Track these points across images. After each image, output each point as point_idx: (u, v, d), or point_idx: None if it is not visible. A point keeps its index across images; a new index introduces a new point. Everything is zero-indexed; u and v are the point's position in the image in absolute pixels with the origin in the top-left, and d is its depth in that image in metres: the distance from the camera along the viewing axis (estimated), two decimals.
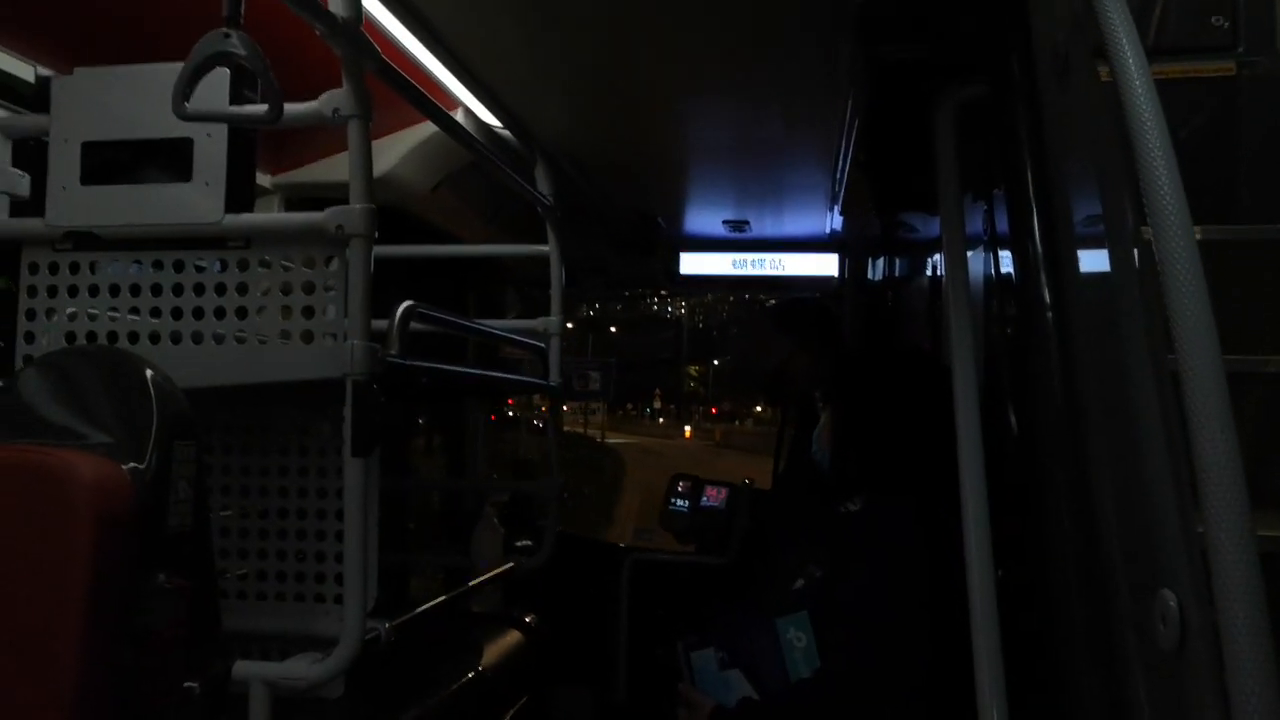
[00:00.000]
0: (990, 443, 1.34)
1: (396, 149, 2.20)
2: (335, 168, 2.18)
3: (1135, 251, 1.04)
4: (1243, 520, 0.75)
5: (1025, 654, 1.23)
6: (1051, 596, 1.22)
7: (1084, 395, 1.18)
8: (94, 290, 1.38)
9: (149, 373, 1.18)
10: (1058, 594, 1.20)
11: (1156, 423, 0.95)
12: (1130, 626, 1.00)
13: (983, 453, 1.32)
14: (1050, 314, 1.28)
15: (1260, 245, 1.35)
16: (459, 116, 2.18)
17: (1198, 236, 0.85)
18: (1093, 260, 1.21)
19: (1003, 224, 1.54)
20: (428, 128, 2.19)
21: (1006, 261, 1.52)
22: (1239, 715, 0.73)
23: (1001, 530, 1.27)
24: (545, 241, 2.28)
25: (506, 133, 2.33)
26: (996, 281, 1.60)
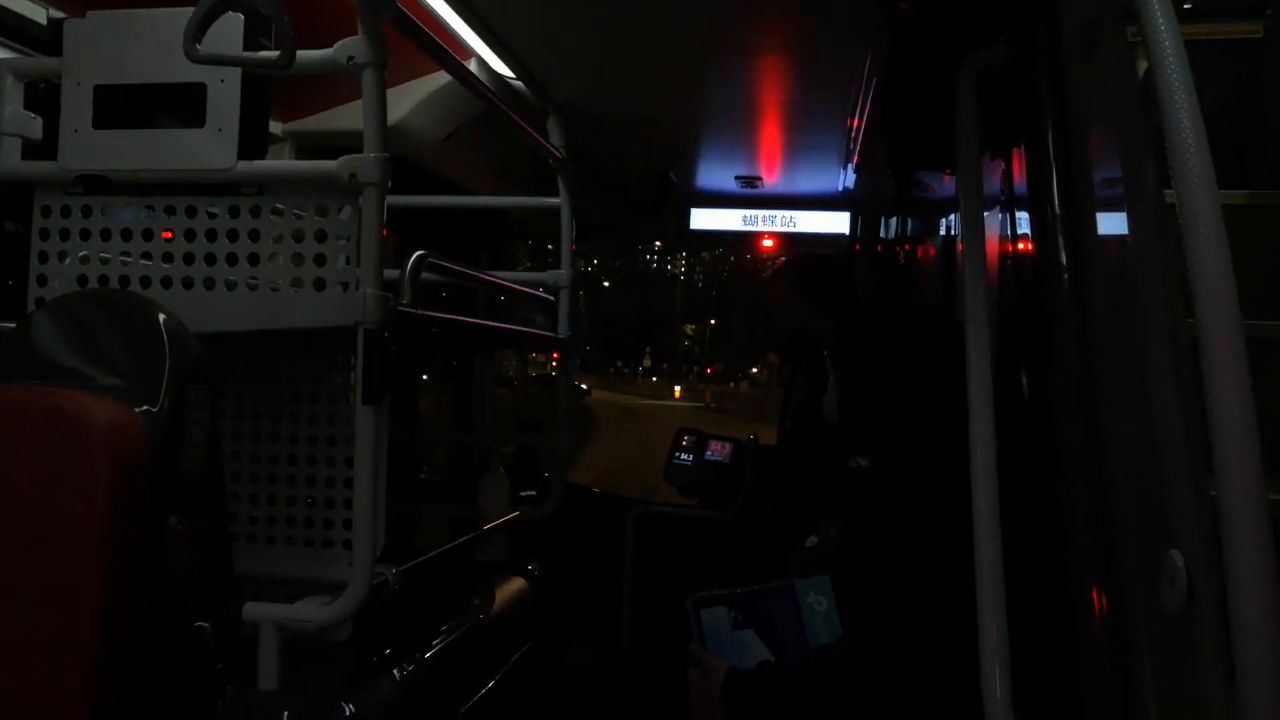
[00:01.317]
0: (1002, 403, 1.34)
1: (408, 99, 2.18)
2: (347, 116, 2.16)
3: (1156, 214, 1.03)
4: (1256, 484, 0.76)
5: (1032, 614, 1.24)
6: (1060, 557, 1.22)
7: (1099, 357, 1.18)
8: (106, 234, 1.38)
9: (161, 317, 1.19)
10: (1067, 555, 1.21)
11: (1172, 386, 0.94)
12: (1139, 588, 1.01)
13: (994, 413, 1.32)
14: (1067, 275, 1.27)
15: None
16: (472, 67, 2.15)
17: (1229, 200, 0.84)
18: (1112, 223, 1.20)
19: (1021, 185, 1.52)
20: (440, 77, 2.16)
21: (1024, 223, 1.50)
22: (1243, 678, 0.73)
23: (1010, 490, 1.27)
24: (556, 195, 2.26)
25: (520, 84, 2.30)
26: (1013, 242, 1.59)
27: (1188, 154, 0.85)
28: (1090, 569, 1.12)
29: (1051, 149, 1.36)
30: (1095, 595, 1.11)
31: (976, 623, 1.17)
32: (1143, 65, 0.98)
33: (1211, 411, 0.78)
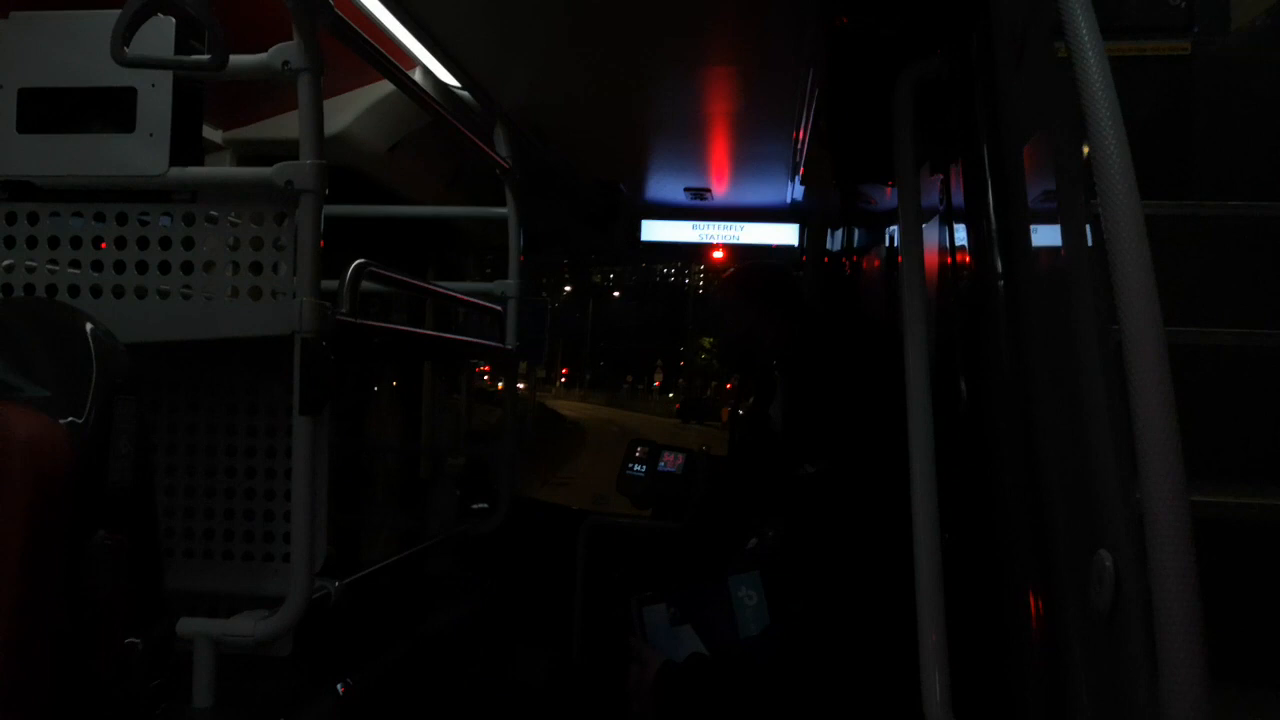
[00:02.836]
0: (940, 409, 1.36)
1: (352, 107, 2.15)
2: (289, 125, 2.12)
3: (1086, 225, 1.05)
4: (1178, 485, 0.77)
5: (970, 619, 1.26)
6: (996, 559, 1.24)
7: (1032, 364, 1.20)
8: (32, 242, 1.34)
9: (89, 326, 1.15)
10: (1002, 556, 1.22)
11: (1100, 391, 0.97)
12: (1070, 588, 1.02)
13: (932, 419, 1.33)
14: (1002, 285, 1.30)
15: (1208, 220, 1.38)
16: (417, 76, 2.14)
17: (1147, 211, 0.86)
18: (1045, 234, 1.22)
19: (958, 197, 1.55)
20: (385, 86, 2.15)
21: (961, 234, 1.53)
22: (1167, 675, 0.75)
23: (949, 494, 1.29)
24: (504, 205, 2.25)
25: (466, 94, 2.29)
26: (951, 253, 1.62)
27: (1110, 163, 0.88)
28: (1026, 570, 1.14)
29: (986, 160, 1.39)
30: (1031, 595, 1.12)
31: (913, 622, 1.18)
32: (1070, 78, 1.00)
33: (1135, 415, 0.80)
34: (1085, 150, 0.98)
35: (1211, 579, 0.79)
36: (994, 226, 1.36)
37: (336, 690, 1.58)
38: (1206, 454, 1.16)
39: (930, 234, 1.70)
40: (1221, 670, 0.80)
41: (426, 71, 2.17)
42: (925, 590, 1.19)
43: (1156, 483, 0.78)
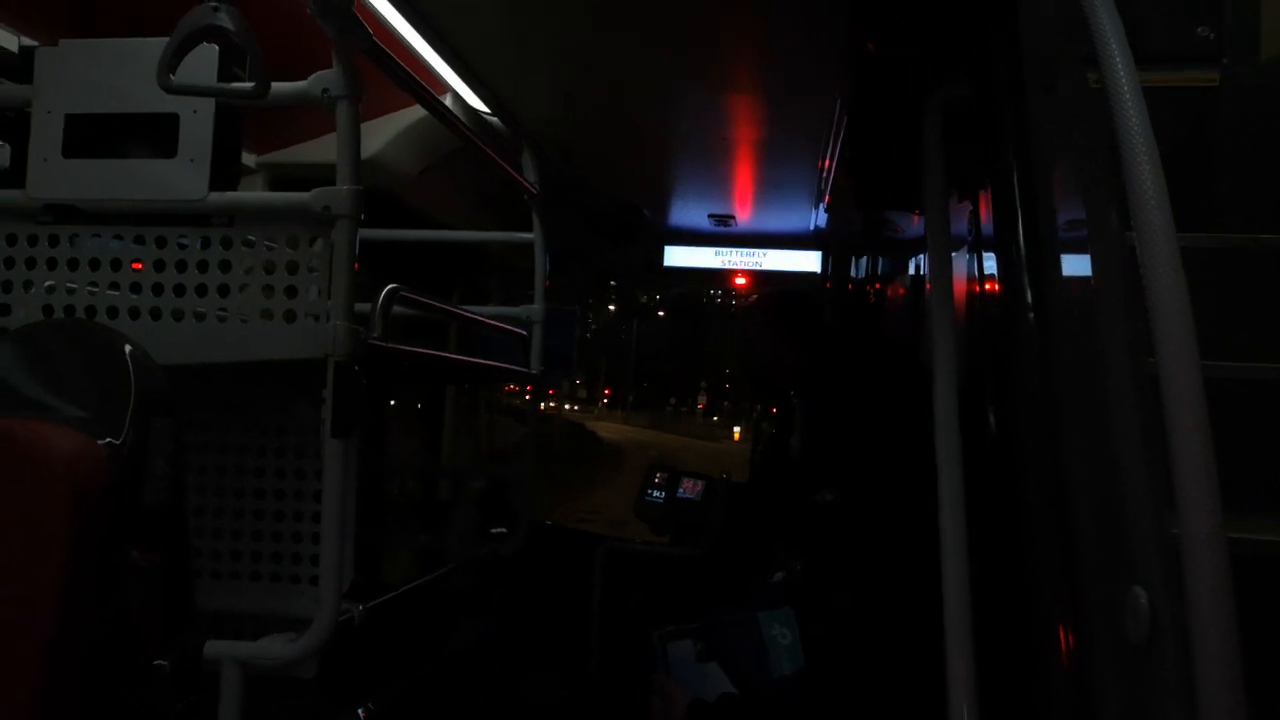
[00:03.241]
0: (968, 441, 1.35)
1: (384, 132, 2.18)
2: (321, 149, 2.17)
3: (1118, 256, 1.05)
4: (1215, 521, 0.77)
5: (998, 650, 1.24)
6: (1026, 593, 1.23)
7: (1064, 396, 1.19)
8: (73, 264, 1.37)
9: (127, 348, 1.17)
10: (1032, 590, 1.21)
11: (1134, 424, 0.96)
12: (1101, 622, 1.01)
13: (960, 449, 1.33)
14: (1032, 315, 1.29)
15: (1238, 253, 1.37)
16: (448, 101, 2.17)
17: (1188, 244, 0.86)
18: (1075, 264, 1.22)
19: (988, 226, 1.55)
20: (416, 111, 2.18)
21: (990, 263, 1.53)
22: (1206, 710, 0.74)
23: (977, 527, 1.28)
24: (531, 229, 2.27)
25: (495, 119, 2.32)
26: (980, 283, 1.62)
27: (1147, 198, 0.88)
28: (1056, 602, 1.13)
29: (1016, 188, 1.39)
30: (1061, 628, 1.11)
31: (942, 656, 1.17)
32: (1103, 109, 1.00)
33: (1171, 449, 0.79)
34: (1120, 181, 0.98)
35: (1247, 612, 0.78)
36: (1024, 255, 1.35)
37: (358, 714, 1.58)
38: (1238, 488, 1.16)
39: (958, 262, 1.69)
40: (1264, 703, 0.79)
41: (457, 97, 2.20)
42: (953, 621, 1.18)
43: (1194, 518, 0.77)
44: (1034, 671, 1.18)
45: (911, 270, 2.49)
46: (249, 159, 2.22)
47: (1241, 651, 0.75)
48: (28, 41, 1.47)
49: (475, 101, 2.24)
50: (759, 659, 1.53)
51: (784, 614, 1.54)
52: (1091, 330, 1.11)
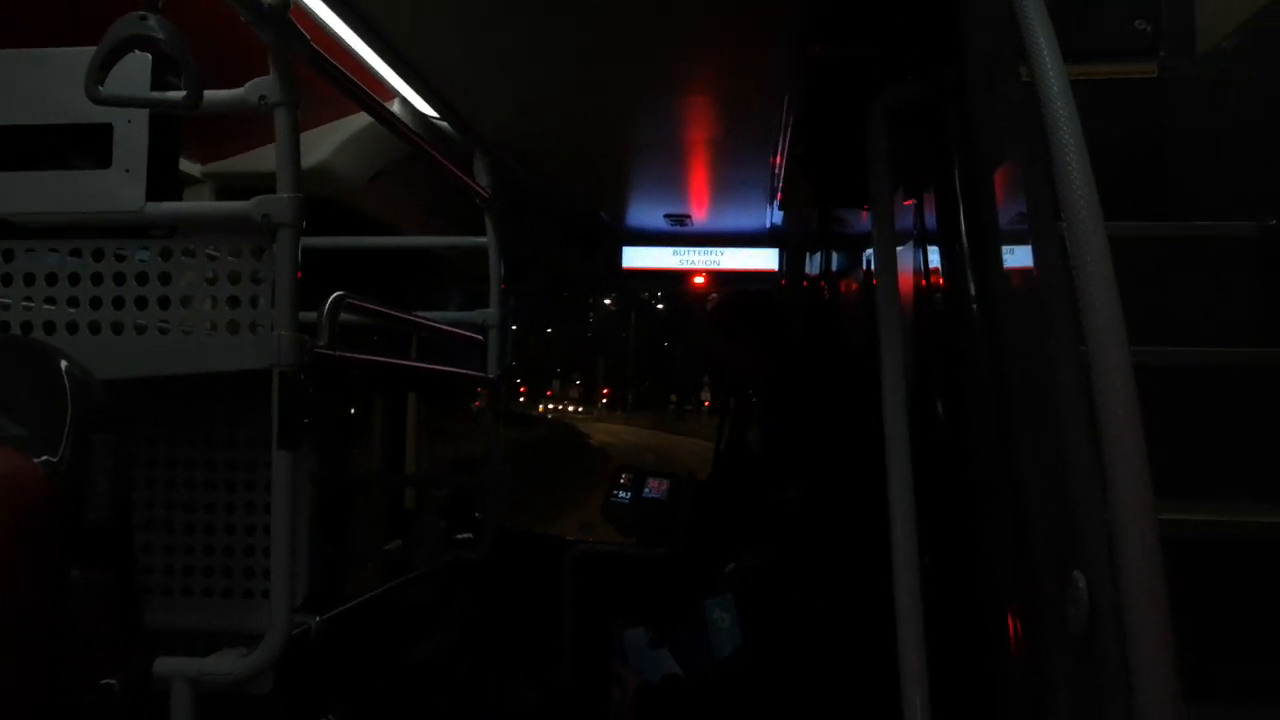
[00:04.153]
0: (917, 433, 1.37)
1: (331, 139, 2.16)
2: (269, 157, 2.14)
3: (1054, 246, 1.06)
4: (1145, 505, 0.78)
5: (951, 640, 1.26)
6: (975, 581, 1.25)
7: (1008, 386, 1.21)
8: (7, 279, 1.34)
9: (64, 364, 1.15)
10: (982, 578, 1.23)
11: (1073, 411, 0.98)
12: (1048, 609, 1.03)
13: (909, 444, 1.34)
14: (976, 307, 1.31)
15: (1176, 240, 1.40)
16: (395, 107, 2.15)
17: (1116, 232, 0.88)
18: (1016, 256, 1.24)
19: (933, 220, 1.57)
20: (364, 118, 2.16)
21: (935, 256, 1.55)
22: (1139, 693, 0.75)
23: (927, 516, 1.30)
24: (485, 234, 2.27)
25: (444, 124, 2.31)
26: (926, 276, 1.63)
27: (1074, 185, 0.89)
28: (1005, 591, 1.15)
29: (958, 184, 1.40)
30: (1011, 617, 1.13)
31: (891, 642, 1.18)
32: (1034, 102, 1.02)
33: (1101, 435, 0.81)
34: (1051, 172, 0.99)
35: (1187, 597, 0.80)
36: (966, 248, 1.37)
37: None
38: (1182, 472, 1.18)
39: (906, 257, 1.71)
40: (1200, 688, 0.81)
41: (405, 102, 2.18)
42: (905, 613, 1.20)
43: (1124, 501, 0.78)
44: (985, 662, 1.19)
45: (864, 265, 2.52)
46: (195, 168, 2.19)
47: (1182, 635, 0.76)
48: None
49: (424, 106, 2.22)
50: (702, 642, 1.59)
51: (725, 599, 1.59)
52: (1033, 320, 1.12)
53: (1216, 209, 1.58)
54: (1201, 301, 1.38)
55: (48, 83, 1.31)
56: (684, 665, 1.60)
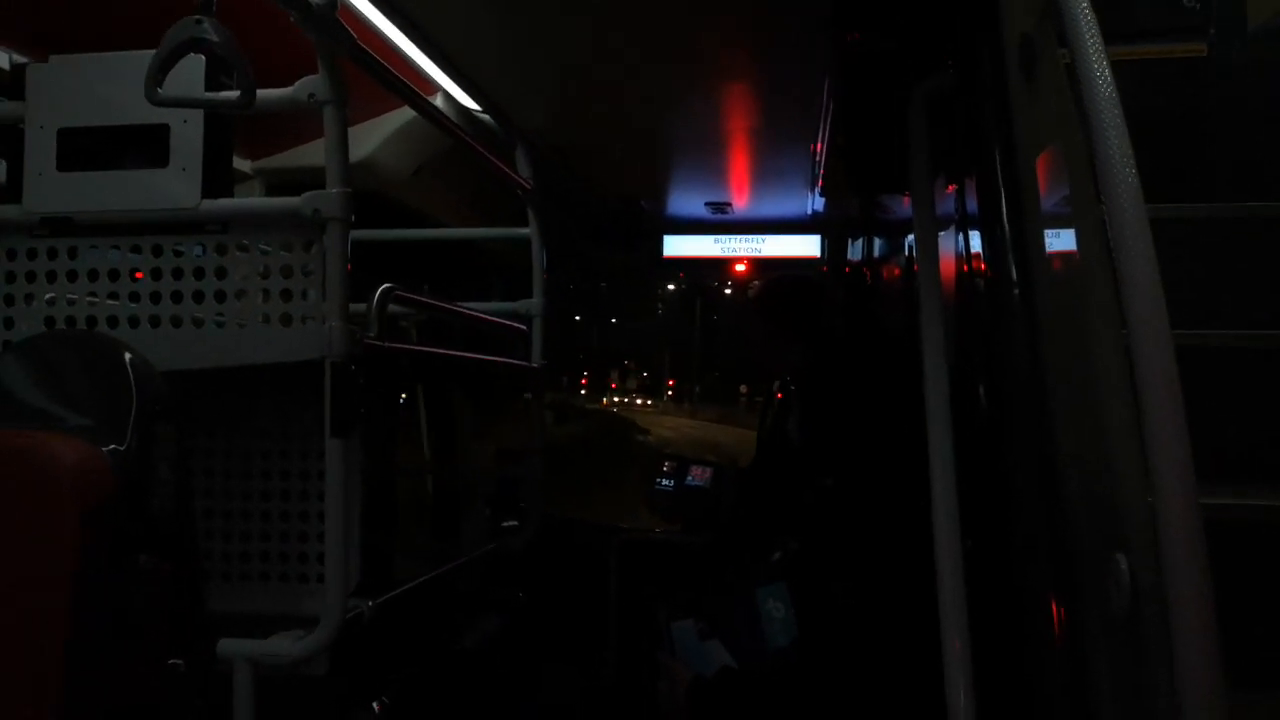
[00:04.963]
0: (957, 417, 1.37)
1: (376, 134, 2.20)
2: (316, 152, 2.17)
3: (1096, 230, 1.06)
4: (1189, 488, 0.78)
5: (992, 625, 1.26)
6: (1018, 565, 1.25)
7: (1049, 370, 1.21)
8: (72, 275, 1.39)
9: (128, 356, 1.20)
10: (1024, 562, 1.23)
11: (1113, 395, 0.97)
12: (1091, 592, 1.03)
13: (951, 424, 1.34)
14: (1017, 291, 1.31)
15: (1223, 223, 1.38)
16: (438, 101, 2.19)
17: (1162, 214, 0.87)
18: (1059, 240, 1.23)
19: (974, 206, 1.56)
20: (408, 112, 2.19)
21: (977, 242, 1.54)
22: (1182, 677, 0.75)
23: (969, 501, 1.30)
24: (527, 225, 2.29)
25: (486, 117, 2.34)
26: (967, 260, 1.63)
27: (1115, 169, 0.89)
28: (1048, 575, 1.15)
29: (1000, 169, 1.40)
30: (1054, 601, 1.13)
31: (936, 630, 1.19)
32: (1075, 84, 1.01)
33: (1144, 419, 0.81)
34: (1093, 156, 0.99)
35: (1230, 582, 0.80)
36: (1008, 235, 1.36)
37: (373, 708, 1.60)
38: (1228, 456, 1.17)
39: (947, 241, 1.71)
40: (1242, 675, 0.81)
41: (448, 96, 2.21)
42: (948, 598, 1.20)
43: (1168, 485, 0.78)
44: (1028, 646, 1.19)
45: (906, 251, 2.50)
46: (246, 164, 2.24)
47: (1224, 621, 0.76)
48: (19, 59, 1.49)
49: (466, 100, 2.25)
50: (756, 633, 1.58)
51: (778, 588, 1.58)
52: (1075, 304, 1.12)
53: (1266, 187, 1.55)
54: (1248, 283, 1.36)
55: (107, 86, 1.35)
56: (737, 657, 1.59)
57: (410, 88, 1.64)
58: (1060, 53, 1.10)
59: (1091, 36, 0.96)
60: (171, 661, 1.19)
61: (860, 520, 1.55)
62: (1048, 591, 1.15)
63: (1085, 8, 0.99)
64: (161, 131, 1.34)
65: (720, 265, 3.71)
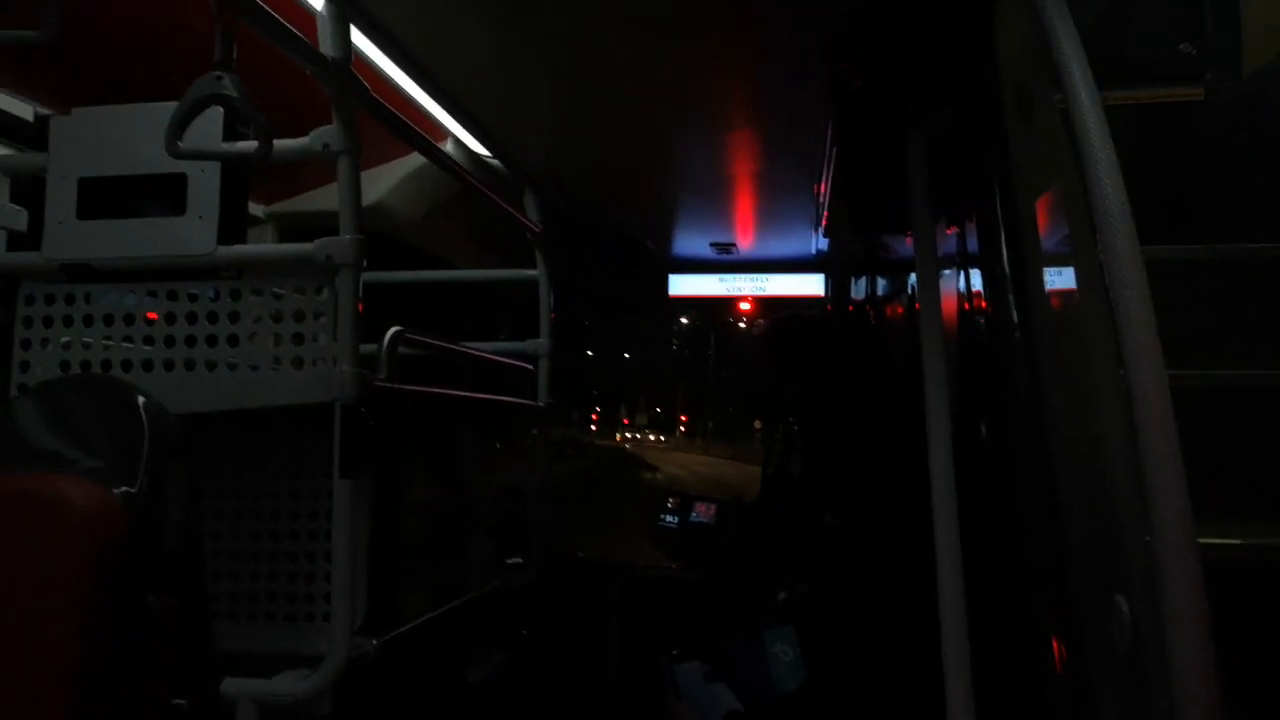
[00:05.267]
0: (959, 455, 1.38)
1: (388, 178, 2.24)
2: (328, 197, 2.22)
3: (1093, 273, 1.08)
4: (1185, 528, 0.79)
5: (995, 663, 1.26)
6: (1020, 606, 1.25)
7: (1049, 409, 1.22)
8: (89, 320, 1.42)
9: (140, 399, 1.22)
10: (1026, 602, 1.23)
11: (1111, 436, 0.98)
12: (1093, 633, 1.03)
13: (954, 465, 1.35)
14: (1017, 332, 1.32)
15: (1220, 263, 1.40)
16: (448, 146, 2.23)
17: (1154, 257, 0.89)
18: (1056, 280, 1.25)
19: (974, 246, 1.58)
20: (419, 157, 2.23)
21: (978, 282, 1.56)
22: (1181, 714, 0.76)
23: (971, 539, 1.30)
24: (535, 266, 2.32)
25: (496, 162, 2.38)
26: (969, 300, 1.64)
27: (1110, 211, 0.91)
28: (1050, 615, 1.15)
29: (999, 211, 1.42)
30: (1055, 641, 1.13)
31: (939, 669, 1.19)
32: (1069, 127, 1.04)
33: (1141, 459, 0.82)
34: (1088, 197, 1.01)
35: (1229, 620, 0.80)
36: (1008, 275, 1.38)
37: None
38: (1230, 495, 1.17)
39: (949, 281, 1.72)
40: (1241, 712, 0.81)
41: (458, 142, 2.25)
42: (951, 640, 1.20)
43: (1165, 526, 0.79)
44: (1031, 685, 1.19)
45: (908, 290, 2.52)
46: (258, 209, 2.28)
47: (1223, 660, 0.77)
48: (42, 111, 1.53)
49: (476, 145, 2.29)
50: (763, 676, 1.56)
51: (785, 632, 1.57)
52: (1074, 344, 1.13)
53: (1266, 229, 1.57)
54: (1245, 322, 1.37)
55: (126, 137, 1.39)
56: (743, 700, 1.58)
57: (422, 135, 1.67)
58: (1056, 97, 1.12)
59: (1085, 82, 0.99)
60: (175, 701, 1.20)
61: (864, 558, 1.55)
62: (1050, 631, 1.15)
63: (1078, 54, 1.01)
64: (179, 181, 1.38)
65: (725, 304, 3.74)
